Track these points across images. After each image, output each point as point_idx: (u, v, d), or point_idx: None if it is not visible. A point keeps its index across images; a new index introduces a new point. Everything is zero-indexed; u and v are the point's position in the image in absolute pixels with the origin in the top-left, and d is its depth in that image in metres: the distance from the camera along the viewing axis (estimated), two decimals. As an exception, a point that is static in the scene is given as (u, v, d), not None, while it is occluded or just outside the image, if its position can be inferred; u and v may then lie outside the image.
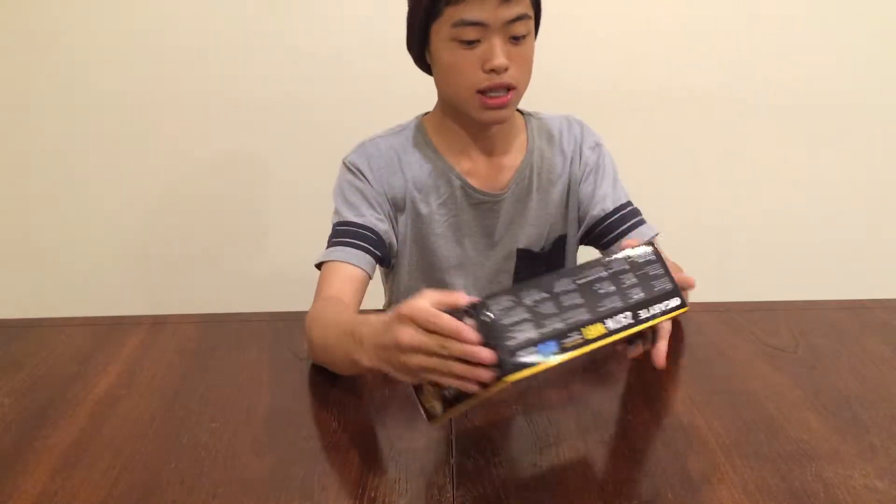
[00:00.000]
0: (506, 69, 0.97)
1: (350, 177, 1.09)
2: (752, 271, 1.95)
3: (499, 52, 0.96)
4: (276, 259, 1.86)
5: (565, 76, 1.74)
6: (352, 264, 1.02)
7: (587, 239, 1.19)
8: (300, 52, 1.72)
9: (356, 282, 1.02)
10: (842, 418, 0.84)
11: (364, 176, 1.08)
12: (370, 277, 1.05)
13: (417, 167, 1.10)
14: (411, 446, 0.79)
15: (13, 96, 1.73)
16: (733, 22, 1.76)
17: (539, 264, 1.17)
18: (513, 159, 1.12)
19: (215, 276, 1.91)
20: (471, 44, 0.97)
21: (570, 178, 1.16)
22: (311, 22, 1.71)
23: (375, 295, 1.16)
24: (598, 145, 1.17)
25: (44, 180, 1.80)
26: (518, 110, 1.15)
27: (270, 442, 0.80)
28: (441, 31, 0.98)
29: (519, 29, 0.97)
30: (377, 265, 1.07)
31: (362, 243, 1.04)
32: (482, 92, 0.99)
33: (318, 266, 1.04)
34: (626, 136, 1.79)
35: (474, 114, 1.02)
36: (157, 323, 1.09)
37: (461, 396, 0.68)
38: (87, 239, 1.86)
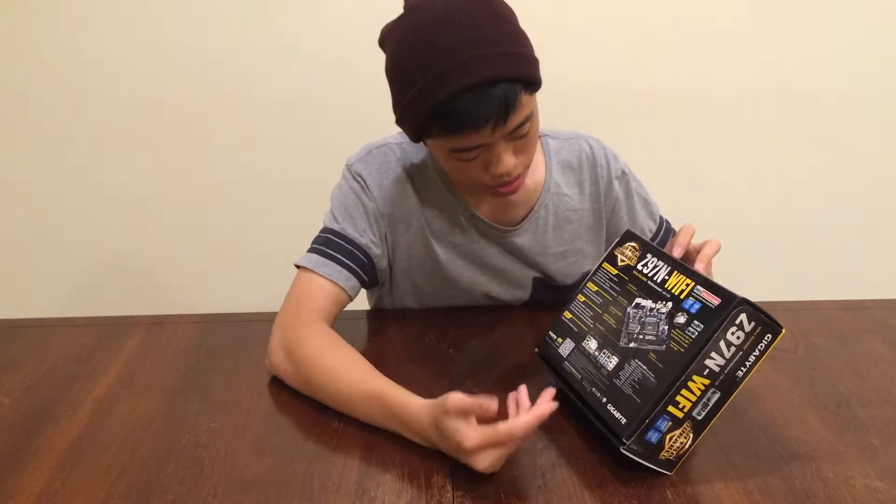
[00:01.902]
0: (514, 167, 0.90)
1: (355, 186, 1.02)
2: (752, 271, 1.95)
3: (505, 160, 0.89)
4: (276, 259, 1.86)
5: (565, 76, 1.74)
6: (339, 286, 0.97)
7: None
8: (300, 52, 1.72)
9: (338, 305, 0.98)
10: (842, 418, 0.84)
11: (369, 190, 1.02)
12: (351, 301, 1.01)
13: (428, 190, 1.04)
14: (411, 446, 0.79)
15: (13, 96, 1.73)
16: (734, 22, 1.76)
17: (557, 293, 1.13)
18: (526, 193, 1.05)
19: (215, 276, 1.91)
20: (472, 159, 0.89)
21: (594, 216, 1.11)
22: (312, 22, 1.71)
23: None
24: (624, 173, 1.11)
25: (44, 180, 1.80)
26: None
27: (270, 442, 0.80)
28: (436, 146, 0.91)
29: (523, 130, 0.88)
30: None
31: (353, 265, 0.99)
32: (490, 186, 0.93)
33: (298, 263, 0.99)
34: (627, 136, 1.78)
35: (485, 196, 0.99)
36: (157, 323, 1.09)
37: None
38: (88, 239, 1.86)
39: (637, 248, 0.85)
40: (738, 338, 0.70)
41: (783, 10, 1.76)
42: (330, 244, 1.00)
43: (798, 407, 0.86)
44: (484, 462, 0.71)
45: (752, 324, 0.70)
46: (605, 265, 0.88)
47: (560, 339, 0.87)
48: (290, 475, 0.74)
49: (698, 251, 0.86)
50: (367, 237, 1.01)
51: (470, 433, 0.70)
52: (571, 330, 0.86)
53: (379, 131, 1.11)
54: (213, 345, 1.02)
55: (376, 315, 1.13)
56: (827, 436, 0.80)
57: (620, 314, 0.81)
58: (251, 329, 1.06)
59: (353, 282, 1.00)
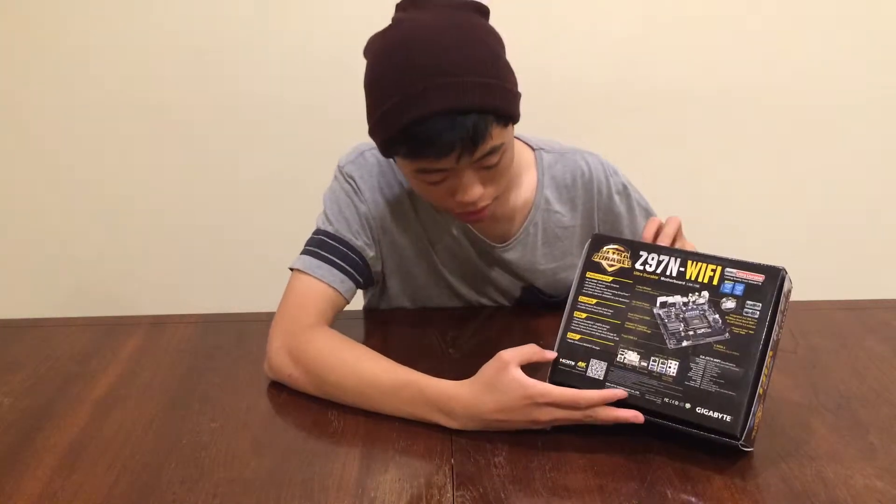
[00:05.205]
0: (480, 197, 0.88)
1: (347, 188, 1.01)
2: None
3: (471, 190, 0.87)
4: (276, 259, 1.86)
5: (564, 76, 1.74)
6: (335, 289, 0.96)
7: None
8: (299, 52, 1.72)
9: (335, 308, 0.97)
10: (842, 418, 0.84)
11: (361, 193, 1.01)
12: (347, 304, 1.01)
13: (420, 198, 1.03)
14: (411, 446, 0.79)
15: (13, 96, 1.73)
16: (733, 22, 1.76)
17: (547, 297, 1.13)
18: (517, 209, 1.04)
19: (215, 276, 1.91)
20: (437, 183, 0.88)
21: (586, 233, 1.08)
22: (311, 22, 1.71)
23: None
24: (625, 187, 1.08)
25: (44, 180, 1.80)
26: (527, 143, 1.06)
27: (270, 442, 0.80)
28: (403, 165, 0.90)
29: (491, 160, 0.86)
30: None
31: (348, 267, 0.98)
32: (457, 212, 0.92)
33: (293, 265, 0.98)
34: (626, 135, 1.79)
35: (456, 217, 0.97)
36: (157, 323, 1.09)
37: None
38: (87, 239, 1.86)
39: (622, 248, 0.83)
40: (783, 304, 0.76)
41: (783, 9, 1.76)
42: (324, 246, 0.99)
43: (798, 407, 0.86)
44: (546, 416, 0.76)
45: (789, 284, 0.76)
46: (590, 274, 0.83)
47: (582, 364, 0.80)
48: (290, 475, 0.74)
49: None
50: (361, 239, 1.01)
51: (539, 383, 0.75)
52: (591, 350, 0.80)
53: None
54: (213, 345, 1.02)
55: (375, 315, 1.13)
56: (827, 436, 0.80)
57: (648, 318, 0.78)
58: (251, 329, 1.06)
59: (349, 284, 0.99)
